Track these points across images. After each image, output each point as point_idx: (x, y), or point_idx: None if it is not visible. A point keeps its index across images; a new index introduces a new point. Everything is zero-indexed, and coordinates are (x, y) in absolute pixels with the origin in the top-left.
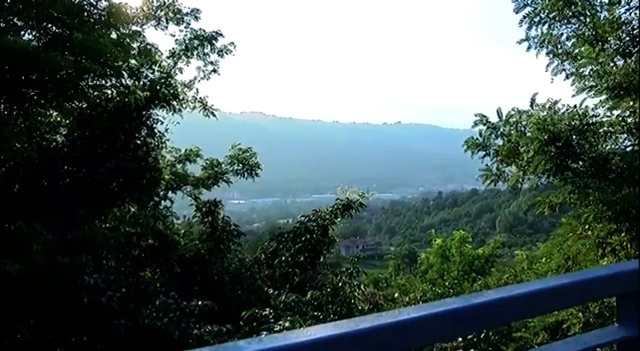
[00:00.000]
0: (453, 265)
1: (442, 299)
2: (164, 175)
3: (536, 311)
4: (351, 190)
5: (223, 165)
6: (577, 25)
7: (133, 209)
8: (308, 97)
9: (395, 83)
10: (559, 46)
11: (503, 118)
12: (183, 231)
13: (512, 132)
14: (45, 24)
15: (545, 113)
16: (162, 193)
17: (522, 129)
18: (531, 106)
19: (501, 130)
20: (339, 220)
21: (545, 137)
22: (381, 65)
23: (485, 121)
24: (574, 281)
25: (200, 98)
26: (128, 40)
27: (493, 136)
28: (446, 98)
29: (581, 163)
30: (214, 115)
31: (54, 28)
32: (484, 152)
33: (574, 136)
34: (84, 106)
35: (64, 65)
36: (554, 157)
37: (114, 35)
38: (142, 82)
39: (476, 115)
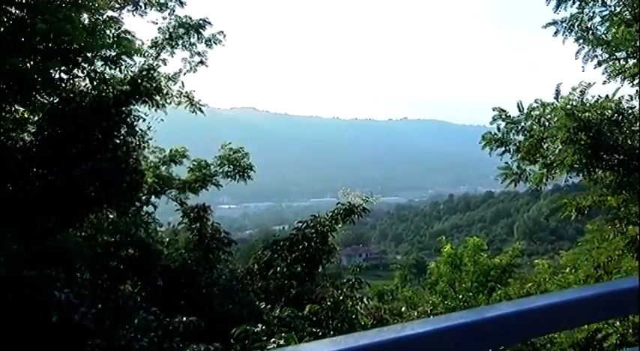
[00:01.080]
0: (466, 275)
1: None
2: (146, 177)
3: (559, 326)
4: (353, 193)
5: (212, 166)
6: (612, 5)
7: (111, 216)
8: (305, 90)
9: (401, 76)
10: (590, 31)
11: (524, 111)
12: (167, 239)
13: (534, 126)
14: (4, 6)
15: (574, 98)
16: (144, 197)
17: (546, 123)
18: (556, 98)
19: (522, 124)
20: (339, 226)
21: (575, 125)
22: (386, 56)
23: (505, 116)
24: (602, 292)
25: (186, 92)
26: (103, 27)
27: (513, 131)
28: (457, 92)
29: (616, 155)
30: (202, 111)
31: (16, 11)
32: (503, 148)
33: (606, 127)
34: (55, 100)
35: (19, 66)
36: (585, 147)
37: (87, 21)
38: (121, 75)
39: (494, 110)
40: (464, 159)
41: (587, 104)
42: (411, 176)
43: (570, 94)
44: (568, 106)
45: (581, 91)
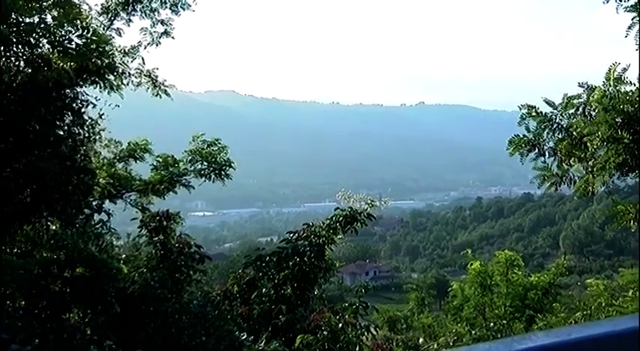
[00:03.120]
0: (499, 298)
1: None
2: (98, 178)
3: None
4: (357, 196)
5: (181, 163)
6: None
7: (53, 227)
8: (297, 70)
9: (415, 50)
10: None
11: (562, 102)
12: (125, 255)
13: (574, 120)
14: None
15: (617, 87)
16: (95, 203)
17: (591, 113)
18: (612, 80)
19: (558, 120)
20: (340, 237)
21: (618, 120)
22: (396, 27)
23: (535, 113)
24: None
25: (147, 71)
26: None
27: (547, 130)
28: (484, 70)
29: None
30: (168, 94)
31: None
32: (536, 152)
33: None
34: None
35: None
36: (630, 146)
37: None
38: (63, 49)
39: (522, 108)
40: (495, 153)
41: (631, 93)
42: (429, 175)
43: (609, 72)
44: (606, 95)
45: (620, 79)
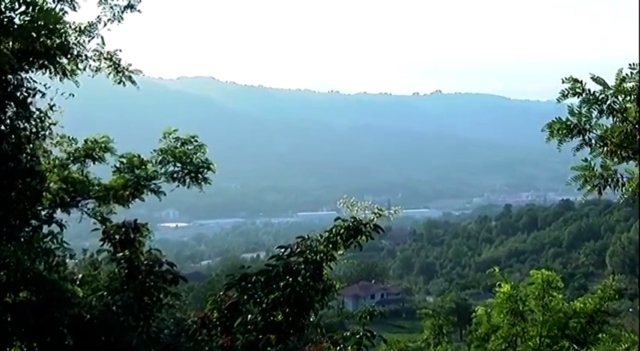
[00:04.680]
0: (533, 327)
1: None
2: (49, 182)
3: None
4: (361, 204)
5: (150, 165)
6: None
7: None
8: (289, 53)
9: (430, 31)
10: None
11: (615, 81)
12: (81, 275)
13: (628, 104)
14: None
15: None
16: (44, 212)
17: None
18: None
19: (609, 101)
20: (341, 253)
21: None
22: (408, 4)
23: (581, 90)
24: None
25: (108, 53)
26: None
27: (595, 112)
28: (513, 53)
29: None
30: (133, 82)
31: None
32: (580, 139)
33: None
34: None
35: None
36: None
37: None
38: (3, 27)
39: (565, 81)
40: (527, 151)
41: None
42: (446, 178)
43: None
44: None
45: None
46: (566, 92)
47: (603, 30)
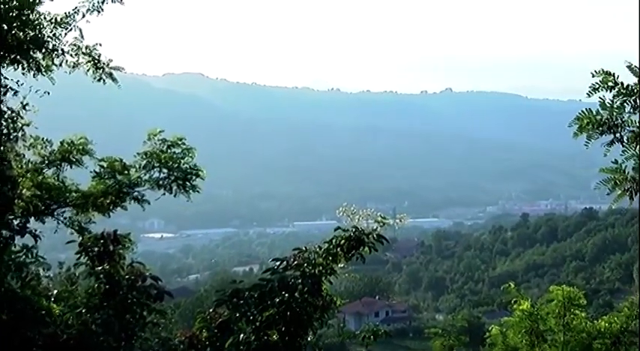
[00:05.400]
0: (553, 348)
1: None
2: (21, 188)
3: None
4: (364, 212)
5: (133, 170)
6: None
7: None
8: (285, 49)
9: (440, 25)
10: None
11: None
12: (57, 291)
13: None
14: None
15: None
16: (17, 222)
17: None
18: None
19: None
20: (342, 266)
21: None
22: None
23: (613, 83)
24: None
25: (87, 48)
26: None
27: (629, 107)
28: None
29: None
30: (114, 79)
31: None
32: (612, 135)
33: None
34: None
35: None
36: None
37: None
38: None
39: (595, 75)
40: (546, 155)
41: None
42: (458, 184)
43: None
44: None
45: None
46: (597, 86)
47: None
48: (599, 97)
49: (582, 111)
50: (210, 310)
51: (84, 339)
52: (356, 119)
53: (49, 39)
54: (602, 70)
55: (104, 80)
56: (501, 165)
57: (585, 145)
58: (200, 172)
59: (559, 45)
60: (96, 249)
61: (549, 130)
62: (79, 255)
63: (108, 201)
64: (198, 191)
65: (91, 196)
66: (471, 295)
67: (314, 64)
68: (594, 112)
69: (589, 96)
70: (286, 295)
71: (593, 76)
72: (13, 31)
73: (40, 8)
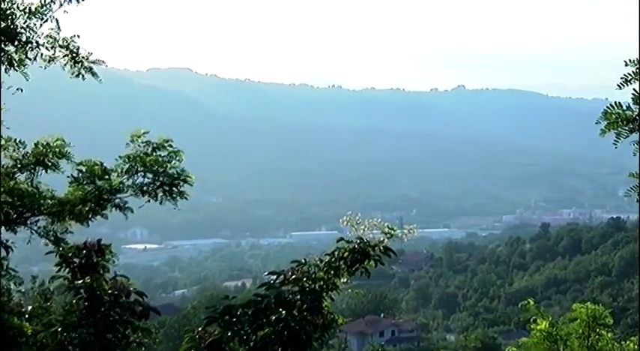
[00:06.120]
0: None
1: None
2: None
3: None
4: (369, 221)
5: (115, 175)
6: None
7: None
8: (281, 42)
9: (450, 17)
10: None
11: None
12: (30, 307)
13: None
14: None
15: None
16: None
17: None
18: None
19: None
20: (344, 281)
21: None
22: None
23: None
24: None
25: (64, 40)
26: None
27: None
28: (550, 43)
29: None
30: (94, 74)
31: None
32: None
33: None
34: None
35: None
36: None
37: None
38: None
39: (629, 64)
40: (569, 160)
41: None
42: (471, 191)
43: None
44: None
45: None
46: (630, 77)
47: None
48: (633, 91)
49: (610, 104)
50: (200, 329)
51: None
52: (359, 119)
53: (22, 30)
54: (637, 59)
55: (83, 75)
56: (519, 170)
57: (614, 143)
58: (188, 177)
59: (583, 37)
60: (76, 261)
61: (572, 132)
62: (57, 267)
63: (87, 208)
64: (185, 198)
65: (67, 203)
66: (486, 314)
67: (313, 59)
68: (624, 107)
69: (620, 88)
70: (283, 312)
71: (627, 65)
72: None
73: None
